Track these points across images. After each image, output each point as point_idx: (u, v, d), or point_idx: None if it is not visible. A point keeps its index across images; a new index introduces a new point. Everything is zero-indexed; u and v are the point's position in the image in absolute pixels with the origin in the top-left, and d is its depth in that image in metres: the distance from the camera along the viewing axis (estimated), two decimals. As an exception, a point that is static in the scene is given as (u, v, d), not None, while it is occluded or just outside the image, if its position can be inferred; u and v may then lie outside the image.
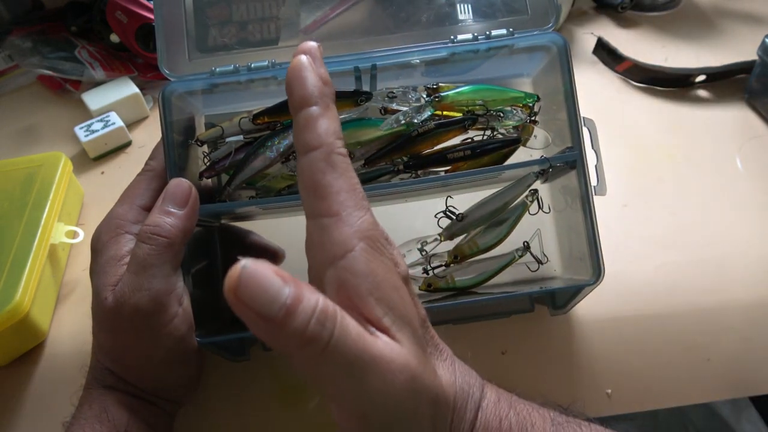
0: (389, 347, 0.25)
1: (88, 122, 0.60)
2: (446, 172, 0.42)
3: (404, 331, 0.26)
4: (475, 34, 0.40)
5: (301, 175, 0.27)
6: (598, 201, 0.39)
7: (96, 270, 0.36)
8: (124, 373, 0.37)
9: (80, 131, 0.59)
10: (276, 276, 0.22)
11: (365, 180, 0.41)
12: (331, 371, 0.24)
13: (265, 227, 0.48)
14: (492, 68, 0.44)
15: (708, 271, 0.48)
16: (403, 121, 0.40)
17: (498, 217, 0.43)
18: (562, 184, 0.43)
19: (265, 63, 0.40)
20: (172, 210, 0.36)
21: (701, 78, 0.62)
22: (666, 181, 0.55)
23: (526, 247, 0.43)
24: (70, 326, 0.47)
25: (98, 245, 0.37)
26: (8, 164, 0.53)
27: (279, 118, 0.40)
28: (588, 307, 0.46)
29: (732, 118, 0.61)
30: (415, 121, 0.40)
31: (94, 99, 0.62)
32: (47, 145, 0.63)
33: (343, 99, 0.39)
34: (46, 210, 0.48)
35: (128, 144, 0.62)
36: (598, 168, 0.41)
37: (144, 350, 0.36)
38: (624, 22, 0.74)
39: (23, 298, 0.43)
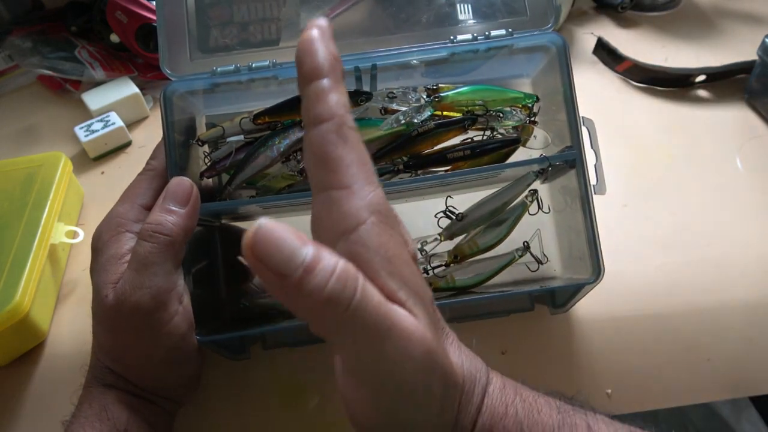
0: (409, 319, 0.25)
1: (88, 122, 0.60)
2: (446, 172, 0.42)
3: (419, 306, 0.25)
4: (475, 34, 0.40)
5: (310, 147, 0.26)
6: (598, 201, 0.39)
7: (96, 268, 0.36)
8: (124, 371, 0.37)
9: (80, 131, 0.59)
10: (293, 236, 0.22)
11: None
12: (350, 335, 0.23)
13: (266, 227, 0.48)
14: (492, 69, 0.44)
15: (708, 271, 0.48)
16: (403, 121, 0.40)
17: (498, 217, 0.43)
18: (562, 184, 0.44)
19: (266, 63, 0.40)
20: (174, 208, 0.36)
21: (701, 78, 0.62)
22: (666, 181, 0.55)
23: (526, 247, 0.43)
24: (70, 326, 0.48)
25: (99, 244, 0.37)
26: (8, 164, 0.53)
27: (279, 118, 0.40)
28: (588, 307, 0.46)
29: (732, 118, 0.61)
30: (415, 121, 0.40)
31: (94, 99, 0.62)
32: (47, 145, 0.63)
33: (343, 99, 0.39)
34: (46, 210, 0.48)
35: (128, 144, 0.62)
36: (598, 168, 0.41)
37: (144, 349, 0.36)
38: (624, 22, 0.74)
39: (23, 298, 0.43)
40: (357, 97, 0.40)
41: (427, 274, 0.43)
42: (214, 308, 0.43)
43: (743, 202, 0.53)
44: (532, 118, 0.43)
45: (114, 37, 0.66)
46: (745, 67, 0.62)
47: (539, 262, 0.44)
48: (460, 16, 0.42)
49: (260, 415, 0.43)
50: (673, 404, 0.43)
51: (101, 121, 0.60)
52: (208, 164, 0.42)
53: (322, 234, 0.26)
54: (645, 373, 0.44)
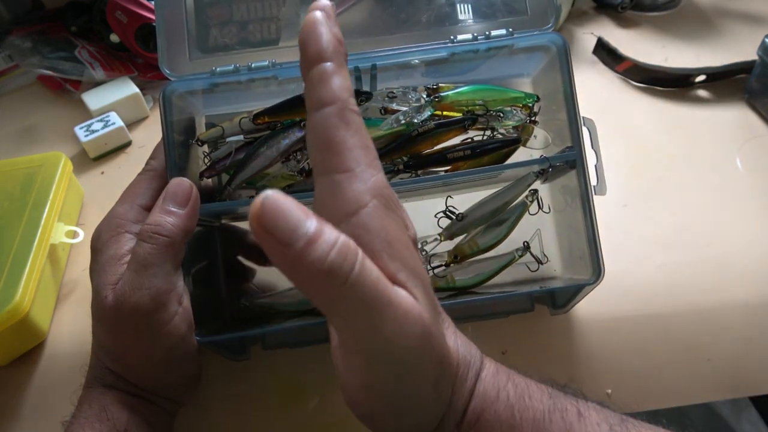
0: (407, 298, 0.25)
1: (88, 122, 0.60)
2: (446, 172, 0.42)
3: (419, 288, 0.26)
4: (475, 34, 0.40)
5: (313, 131, 0.26)
6: (598, 201, 0.39)
7: (96, 269, 0.36)
8: (124, 372, 0.37)
9: (80, 131, 0.59)
10: (298, 208, 0.22)
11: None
12: (348, 307, 0.24)
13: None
14: (492, 68, 0.44)
15: (708, 271, 0.48)
16: (403, 121, 0.40)
17: (498, 217, 0.43)
18: (562, 184, 0.44)
19: (266, 63, 0.40)
20: (173, 209, 0.36)
21: (701, 78, 0.62)
22: (666, 181, 0.55)
23: (526, 247, 0.43)
24: (70, 326, 0.47)
25: (98, 244, 0.37)
26: (8, 164, 0.53)
27: (279, 118, 0.40)
28: (588, 307, 0.46)
29: (732, 118, 0.61)
30: (415, 121, 0.40)
31: (94, 99, 0.62)
32: (47, 145, 0.63)
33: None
34: (46, 210, 0.48)
35: (128, 144, 0.62)
36: (598, 168, 0.41)
37: (144, 349, 0.36)
38: (624, 22, 0.74)
39: (23, 298, 0.43)
40: (357, 97, 0.40)
41: (427, 273, 0.43)
42: (214, 308, 0.43)
43: (743, 202, 0.53)
44: (533, 118, 0.43)
45: (114, 37, 0.66)
46: (745, 67, 0.62)
47: (539, 262, 0.44)
48: (460, 16, 0.42)
49: (260, 415, 0.43)
50: (673, 404, 0.43)
51: (101, 121, 0.60)
52: (208, 164, 0.42)
53: (324, 217, 0.26)
54: (645, 373, 0.44)
